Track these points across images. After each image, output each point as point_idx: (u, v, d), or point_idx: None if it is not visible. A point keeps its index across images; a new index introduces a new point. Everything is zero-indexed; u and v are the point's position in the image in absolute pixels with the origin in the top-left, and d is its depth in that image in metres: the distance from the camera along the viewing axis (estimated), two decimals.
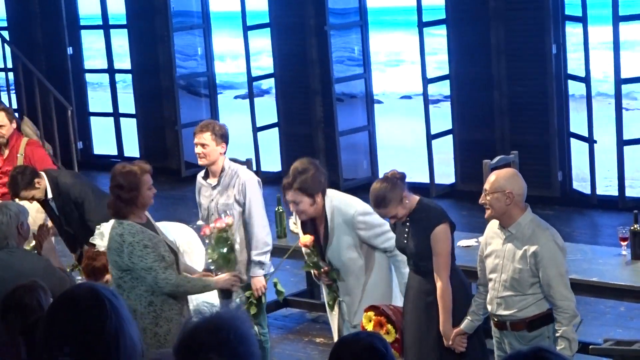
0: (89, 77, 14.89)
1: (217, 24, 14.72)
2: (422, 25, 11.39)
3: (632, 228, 6.92)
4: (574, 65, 11.23)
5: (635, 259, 6.90)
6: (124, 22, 13.81)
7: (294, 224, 8.11)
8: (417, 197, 5.88)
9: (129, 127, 13.83)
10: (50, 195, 7.61)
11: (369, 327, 5.90)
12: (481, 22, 11.24)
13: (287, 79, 12.72)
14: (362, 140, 12.32)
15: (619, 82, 10.50)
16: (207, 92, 13.51)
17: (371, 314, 5.96)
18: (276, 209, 8.10)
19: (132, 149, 13.81)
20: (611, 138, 10.83)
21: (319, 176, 6.09)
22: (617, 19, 10.35)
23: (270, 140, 12.86)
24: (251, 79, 12.75)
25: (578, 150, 11.07)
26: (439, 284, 5.77)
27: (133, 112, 13.92)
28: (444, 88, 11.69)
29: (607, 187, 11.44)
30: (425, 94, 11.48)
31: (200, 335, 2.77)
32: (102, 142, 14.38)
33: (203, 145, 6.66)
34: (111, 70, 14.18)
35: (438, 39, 12.02)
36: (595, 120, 10.72)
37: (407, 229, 5.89)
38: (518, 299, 5.56)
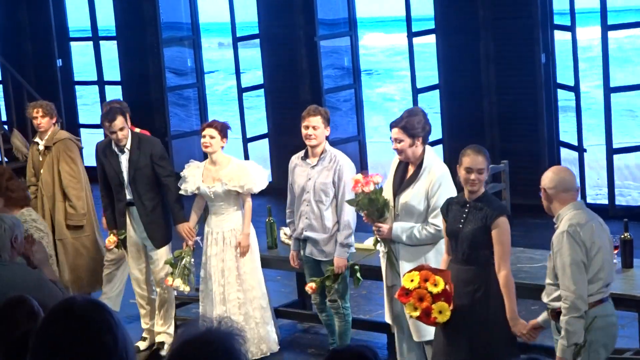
0: (78, 89, 14.88)
1: (207, 35, 14.72)
2: (411, 35, 11.42)
3: (622, 236, 6.94)
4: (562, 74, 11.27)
5: (626, 267, 6.92)
6: (114, 34, 13.81)
7: (285, 234, 8.15)
8: (484, 189, 6.08)
9: None
10: (128, 145, 7.78)
11: (412, 286, 5.91)
12: (470, 32, 11.27)
13: (276, 90, 12.72)
14: (353, 150, 12.33)
15: (608, 90, 10.53)
16: (197, 103, 13.51)
17: (414, 273, 5.99)
18: (267, 220, 8.11)
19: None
20: (601, 147, 10.86)
21: (424, 124, 6.48)
22: (606, 28, 10.38)
23: (261, 151, 12.86)
24: (241, 90, 12.75)
25: (568, 159, 11.09)
26: (502, 273, 5.91)
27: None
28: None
29: (597, 195, 11.46)
30: (415, 103, 11.49)
31: (190, 348, 2.80)
32: (93, 155, 14.30)
33: (314, 127, 7.12)
34: (101, 82, 14.17)
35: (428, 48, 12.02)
36: (585, 129, 10.76)
37: (464, 215, 6.01)
38: (553, 288, 5.72)
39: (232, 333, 2.84)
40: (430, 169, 6.48)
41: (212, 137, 7.52)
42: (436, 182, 6.43)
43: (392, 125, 6.54)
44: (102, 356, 2.78)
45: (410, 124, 6.45)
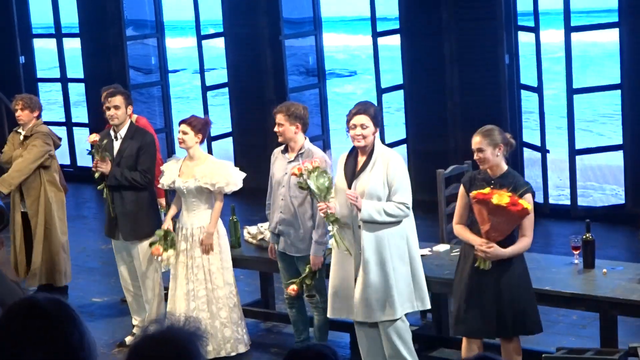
0: (41, 86, 14.78)
1: (171, 33, 14.66)
2: (376, 35, 11.43)
3: (584, 237, 6.99)
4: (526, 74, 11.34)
5: (587, 268, 6.97)
6: (77, 31, 13.72)
7: (248, 233, 8.15)
8: (507, 166, 6.38)
9: (83, 137, 13.71)
10: (123, 133, 7.89)
11: (505, 200, 6.11)
12: (434, 33, 11.30)
13: (241, 88, 12.70)
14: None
15: (571, 92, 10.60)
16: (161, 101, 13.45)
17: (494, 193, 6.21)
18: (230, 219, 8.10)
19: (86, 159, 13.70)
20: (563, 148, 10.94)
21: (380, 114, 6.82)
22: (569, 29, 10.45)
23: (225, 149, 12.83)
24: (205, 88, 12.71)
25: (531, 160, 11.16)
26: (525, 239, 6.32)
27: (86, 121, 13.83)
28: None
29: (559, 196, 11.53)
30: (379, 104, 11.50)
31: (150, 344, 2.82)
32: (66, 153, 14.26)
33: (278, 124, 7.25)
34: (64, 79, 14.07)
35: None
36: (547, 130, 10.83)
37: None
38: None
39: (194, 334, 2.84)
40: (383, 154, 6.62)
41: (184, 133, 7.56)
42: (392, 164, 6.57)
43: (359, 112, 6.64)
44: (70, 352, 2.77)
45: (375, 112, 6.66)
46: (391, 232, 6.61)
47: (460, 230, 6.54)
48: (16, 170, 8.74)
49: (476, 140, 6.36)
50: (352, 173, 6.68)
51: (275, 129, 7.32)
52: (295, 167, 6.90)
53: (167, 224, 7.73)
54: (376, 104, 6.92)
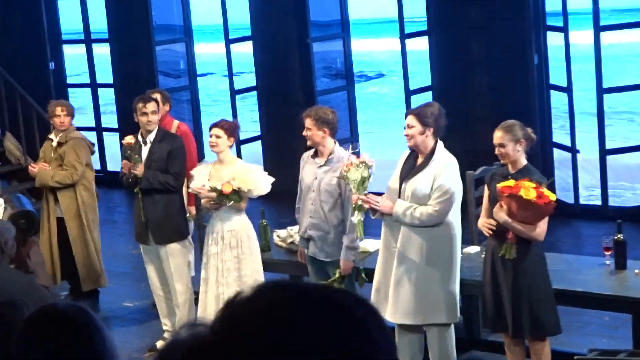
0: (71, 91, 14.86)
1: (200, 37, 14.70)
2: (404, 37, 11.42)
3: (615, 238, 6.95)
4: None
5: (619, 269, 6.93)
6: (106, 37, 13.79)
7: (278, 237, 8.15)
8: (526, 161, 6.43)
9: (113, 142, 13.79)
10: (151, 137, 7.95)
11: (532, 194, 6.14)
12: (462, 33, 11.27)
13: (269, 92, 12.71)
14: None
15: (601, 92, 10.54)
16: (190, 105, 13.49)
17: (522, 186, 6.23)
18: (260, 222, 8.11)
19: (116, 164, 13.77)
20: (594, 148, 10.87)
21: (438, 116, 6.65)
22: (598, 28, 10.39)
23: (254, 152, 12.85)
24: (234, 92, 12.74)
25: (561, 160, 11.09)
26: (539, 229, 6.27)
27: (116, 126, 13.89)
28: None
29: (590, 196, 11.46)
30: (407, 106, 11.48)
31: (178, 350, 2.84)
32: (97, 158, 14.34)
33: (306, 129, 7.24)
34: (94, 85, 14.14)
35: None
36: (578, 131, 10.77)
37: None
38: None
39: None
40: (439, 158, 6.61)
41: (218, 137, 7.57)
42: (443, 168, 6.56)
43: (407, 113, 6.75)
44: (92, 358, 2.79)
45: (424, 113, 6.64)
46: (435, 234, 6.59)
47: (479, 221, 6.56)
48: (57, 180, 8.75)
49: (498, 135, 6.39)
50: (406, 173, 6.70)
51: (304, 133, 7.31)
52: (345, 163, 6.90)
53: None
54: (433, 105, 6.82)
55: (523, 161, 6.42)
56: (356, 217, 6.76)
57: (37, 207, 9.53)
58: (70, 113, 8.93)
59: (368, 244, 7.69)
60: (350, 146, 7.07)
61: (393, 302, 6.68)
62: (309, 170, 7.37)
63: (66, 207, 8.87)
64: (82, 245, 8.91)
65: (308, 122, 7.25)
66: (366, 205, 6.68)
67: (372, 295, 6.89)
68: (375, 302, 6.83)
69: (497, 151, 6.42)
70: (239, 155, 12.54)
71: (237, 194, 7.50)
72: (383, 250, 6.82)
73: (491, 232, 6.39)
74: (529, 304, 6.30)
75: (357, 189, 6.71)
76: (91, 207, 8.97)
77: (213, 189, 7.49)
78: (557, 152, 11.11)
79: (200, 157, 12.45)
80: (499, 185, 6.28)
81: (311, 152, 7.43)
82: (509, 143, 6.34)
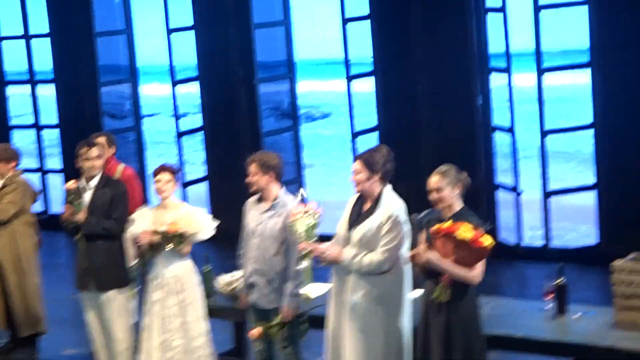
0: (15, 133, 14.72)
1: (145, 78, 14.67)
2: (350, 78, 11.47)
3: (556, 282, 6.98)
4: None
5: (560, 313, 6.95)
6: (51, 77, 13.70)
7: (221, 282, 8.09)
8: (462, 205, 6.40)
9: (56, 184, 13.66)
10: (94, 183, 7.84)
11: (469, 235, 6.15)
12: (408, 73, 11.34)
13: (216, 133, 12.68)
14: (292, 194, 12.31)
15: (543, 133, 10.64)
16: (136, 146, 13.42)
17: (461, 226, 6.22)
18: (204, 267, 8.05)
19: (59, 207, 13.62)
20: (537, 189, 10.96)
21: (385, 162, 6.61)
22: (541, 70, 10.51)
23: (200, 194, 12.79)
24: (180, 133, 12.70)
25: (504, 201, 11.16)
26: (474, 271, 6.21)
27: (60, 167, 13.77)
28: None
29: (533, 237, 11.53)
30: (353, 147, 11.53)
31: None
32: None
33: (251, 174, 7.14)
34: (38, 126, 14.02)
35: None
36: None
37: None
38: None
39: None
40: (387, 203, 6.57)
41: (167, 182, 7.52)
42: (391, 215, 6.51)
43: (355, 158, 6.70)
44: None
45: (372, 159, 6.58)
46: (385, 280, 6.55)
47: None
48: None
49: (434, 180, 6.38)
50: (354, 218, 6.66)
51: (249, 179, 7.26)
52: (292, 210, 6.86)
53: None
54: (381, 150, 6.72)
55: (459, 205, 6.43)
56: (304, 265, 6.73)
57: None
58: (5, 157, 8.79)
59: (312, 289, 7.64)
60: (297, 194, 7.04)
61: (348, 349, 6.63)
62: (254, 216, 7.33)
63: (3, 252, 8.76)
64: (19, 291, 8.80)
65: (253, 168, 7.20)
66: (313, 254, 6.66)
67: (326, 342, 6.83)
68: (331, 350, 6.78)
69: (432, 196, 6.40)
70: (184, 197, 12.50)
71: (180, 236, 7.44)
72: (334, 297, 6.77)
73: (422, 264, 6.34)
74: (461, 350, 6.28)
75: (305, 238, 6.69)
76: (29, 252, 8.87)
77: (156, 232, 7.44)
78: (500, 193, 11.18)
79: (146, 200, 12.37)
80: (434, 228, 6.28)
81: (256, 197, 7.39)
82: (446, 187, 6.36)
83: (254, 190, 7.32)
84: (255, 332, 7.19)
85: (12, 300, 8.79)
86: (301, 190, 6.99)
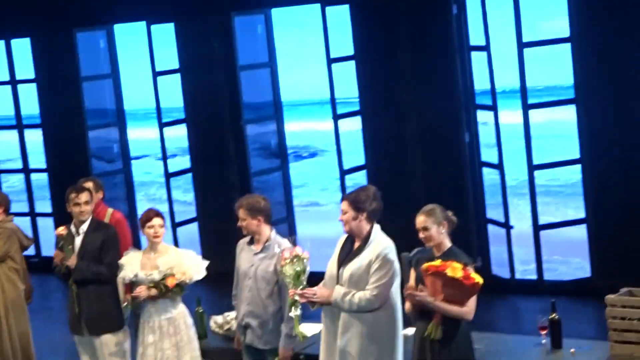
0: (3, 177, 14.72)
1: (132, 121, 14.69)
2: (336, 117, 11.52)
3: (550, 317, 7.00)
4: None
5: (555, 348, 6.96)
6: (38, 122, 13.72)
7: (215, 323, 8.09)
8: (450, 243, 6.49)
9: (47, 227, 13.65)
10: (84, 227, 7.84)
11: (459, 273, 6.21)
12: (395, 112, 11.40)
13: (204, 174, 12.71)
14: (283, 232, 12.30)
15: (532, 168, 10.71)
16: (125, 189, 13.43)
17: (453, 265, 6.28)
18: (196, 310, 8.05)
19: (50, 250, 13.58)
20: (527, 223, 11.00)
21: (372, 202, 6.62)
22: (527, 107, 10.59)
23: (190, 234, 12.79)
24: (168, 175, 12.71)
25: (495, 235, 11.20)
26: (464, 308, 6.30)
27: (50, 211, 13.76)
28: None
29: (525, 271, 11.56)
30: (342, 185, 11.56)
31: None
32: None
33: (240, 219, 7.21)
34: (26, 170, 14.02)
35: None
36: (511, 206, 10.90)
37: None
38: None
39: None
40: (375, 241, 6.59)
41: (161, 227, 7.57)
42: (380, 253, 6.52)
43: (342, 198, 6.77)
44: None
45: (358, 198, 6.61)
46: (376, 319, 6.54)
47: (407, 305, 6.56)
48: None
49: (420, 220, 6.50)
50: (344, 258, 6.68)
51: (239, 224, 7.29)
52: (281, 254, 6.86)
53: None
54: (367, 189, 6.74)
55: (447, 243, 6.51)
56: (293, 313, 6.73)
57: None
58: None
59: (306, 329, 7.65)
60: (288, 239, 7.06)
61: None
62: (246, 258, 7.35)
63: None
64: (6, 336, 8.75)
65: (241, 213, 7.26)
66: (303, 300, 6.66)
67: None
68: None
69: (420, 234, 6.51)
70: (175, 238, 12.49)
71: (180, 286, 7.47)
72: (325, 337, 6.77)
73: (415, 302, 6.37)
74: None
75: (294, 284, 6.71)
76: (14, 298, 8.79)
77: (155, 285, 7.45)
78: (491, 228, 11.22)
79: (136, 243, 12.38)
80: (424, 266, 6.33)
81: (247, 239, 7.41)
82: (432, 226, 6.45)
83: (245, 234, 7.35)
84: None
85: (2, 345, 8.75)
86: (291, 237, 7.02)
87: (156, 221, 7.55)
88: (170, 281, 7.44)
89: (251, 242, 7.35)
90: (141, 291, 7.49)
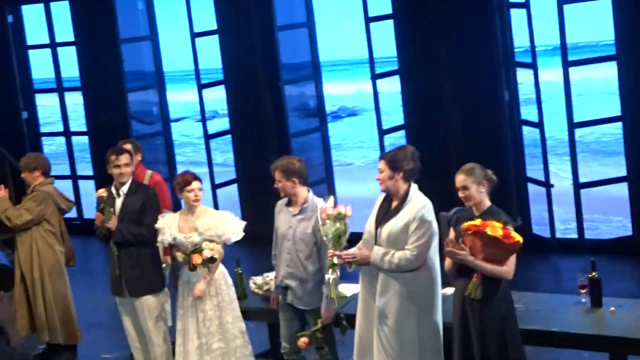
0: (45, 140, 14.85)
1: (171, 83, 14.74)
2: (375, 77, 11.47)
3: (590, 276, 6.97)
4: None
5: (595, 307, 6.94)
6: (78, 85, 13.80)
7: (254, 284, 8.14)
8: (490, 203, 6.46)
9: (89, 190, 13.76)
10: (125, 189, 7.92)
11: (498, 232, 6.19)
12: (433, 71, 11.33)
13: (243, 135, 12.72)
14: (322, 193, 12.32)
15: (572, 126, 10.61)
16: (165, 151, 13.49)
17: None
18: (235, 270, 8.10)
19: (92, 212, 13.70)
20: (568, 181, 10.93)
21: (408, 161, 6.62)
22: (567, 64, 10.48)
23: (230, 196, 12.84)
24: (208, 137, 12.75)
25: (535, 195, 11.14)
26: (504, 267, 6.27)
27: (91, 173, 13.87)
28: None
29: (566, 229, 11.50)
30: (381, 145, 11.53)
31: None
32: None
33: (276, 181, 7.21)
34: (67, 133, 14.12)
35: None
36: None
37: None
38: None
39: None
40: (412, 201, 6.59)
41: (200, 190, 7.60)
42: (417, 213, 6.53)
43: (380, 157, 6.77)
44: None
45: (394, 157, 6.62)
46: (414, 278, 6.56)
47: (447, 262, 6.56)
48: (6, 214, 8.77)
49: (460, 179, 6.47)
50: (382, 217, 6.70)
51: (275, 185, 7.32)
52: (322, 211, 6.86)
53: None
54: (405, 149, 6.75)
55: (487, 202, 6.49)
56: (330, 276, 6.74)
57: (11, 259, 9.50)
58: (26, 167, 8.84)
59: (346, 289, 7.68)
60: (327, 199, 7.04)
61: (377, 349, 6.66)
62: (284, 219, 7.37)
63: (25, 262, 8.82)
64: (43, 298, 8.82)
65: (277, 175, 7.27)
66: (341, 261, 6.68)
67: (355, 342, 6.86)
68: (359, 350, 6.81)
69: (460, 194, 6.49)
70: (215, 199, 12.55)
71: (211, 259, 7.47)
72: (363, 297, 6.79)
73: (456, 260, 6.37)
74: (498, 346, 6.29)
75: (333, 245, 6.71)
76: (49, 260, 8.84)
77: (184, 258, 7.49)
78: (531, 187, 11.16)
79: (175, 205, 12.48)
80: (464, 225, 6.31)
81: (285, 200, 7.43)
82: (472, 185, 6.43)
83: (283, 196, 7.37)
84: (303, 342, 7.20)
85: (36, 307, 8.84)
86: (330, 197, 6.99)
87: (195, 184, 7.57)
88: (196, 259, 7.47)
89: (289, 203, 7.36)
90: (199, 293, 7.52)
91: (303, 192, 7.28)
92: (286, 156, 7.62)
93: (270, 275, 7.98)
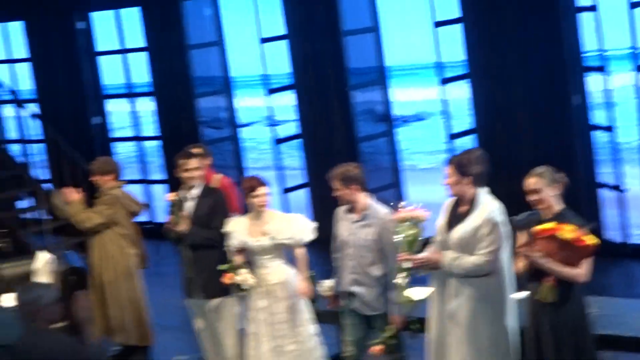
0: (117, 145, 15.05)
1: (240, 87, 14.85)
2: (444, 81, 11.47)
3: None
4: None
5: None
6: (148, 91, 13.97)
7: (323, 287, 8.16)
8: (563, 205, 6.34)
9: (160, 194, 13.91)
10: (196, 192, 7.99)
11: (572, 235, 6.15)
12: (502, 75, 11.28)
13: (312, 140, 12.78)
14: (390, 198, 12.33)
15: None
16: (234, 156, 13.60)
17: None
18: (307, 273, 8.12)
19: (163, 215, 13.86)
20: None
21: (476, 166, 6.54)
22: (639, 68, 10.38)
23: (299, 200, 12.90)
24: (277, 141, 12.84)
25: (609, 199, 11.04)
26: (577, 270, 6.18)
27: (163, 178, 14.03)
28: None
29: (638, 236, 11.35)
30: (450, 149, 11.52)
31: None
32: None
33: (335, 190, 7.21)
34: (139, 138, 14.30)
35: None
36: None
37: None
38: None
39: None
40: (482, 205, 6.55)
41: (266, 195, 7.64)
42: (487, 218, 6.49)
43: (447, 161, 6.72)
44: None
45: (462, 162, 6.56)
46: (486, 282, 6.55)
47: (520, 265, 6.51)
48: (77, 218, 8.91)
49: (531, 182, 6.38)
50: (451, 221, 6.67)
51: (334, 194, 7.29)
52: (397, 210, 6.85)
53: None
54: (473, 153, 6.71)
55: (559, 206, 6.41)
56: (401, 280, 6.75)
57: (86, 262, 9.64)
58: (98, 171, 8.95)
59: (414, 293, 7.66)
60: (397, 205, 7.01)
61: (450, 354, 6.64)
62: (344, 226, 7.34)
63: (98, 264, 8.94)
64: (115, 300, 8.92)
65: (335, 184, 7.26)
66: (412, 266, 6.66)
67: (427, 347, 6.85)
68: (434, 354, 6.79)
69: (531, 197, 6.39)
70: (285, 203, 12.61)
71: (239, 287, 7.58)
72: (436, 303, 6.78)
73: (530, 261, 6.33)
74: (572, 351, 6.25)
75: (406, 249, 6.72)
76: (121, 263, 8.94)
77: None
78: (604, 191, 11.05)
79: (243, 209, 12.53)
80: (536, 229, 6.26)
81: (344, 207, 7.39)
82: (544, 188, 6.36)
83: (344, 203, 7.36)
84: (378, 348, 7.19)
85: (110, 309, 8.96)
86: (402, 203, 6.96)
87: (261, 190, 7.61)
88: (226, 278, 7.57)
89: (349, 210, 7.34)
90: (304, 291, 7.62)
91: (363, 199, 7.26)
92: (344, 163, 7.63)
93: None
